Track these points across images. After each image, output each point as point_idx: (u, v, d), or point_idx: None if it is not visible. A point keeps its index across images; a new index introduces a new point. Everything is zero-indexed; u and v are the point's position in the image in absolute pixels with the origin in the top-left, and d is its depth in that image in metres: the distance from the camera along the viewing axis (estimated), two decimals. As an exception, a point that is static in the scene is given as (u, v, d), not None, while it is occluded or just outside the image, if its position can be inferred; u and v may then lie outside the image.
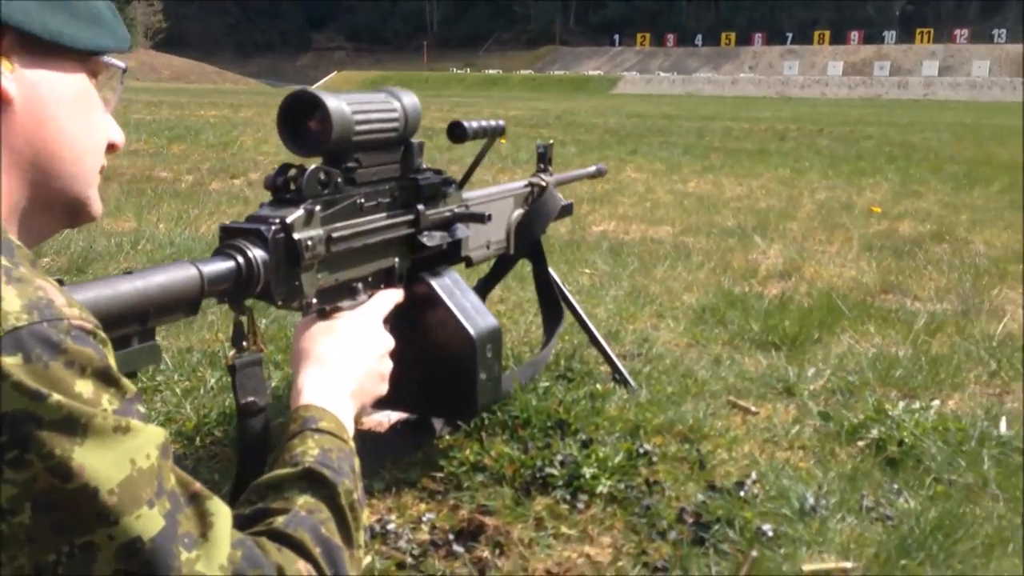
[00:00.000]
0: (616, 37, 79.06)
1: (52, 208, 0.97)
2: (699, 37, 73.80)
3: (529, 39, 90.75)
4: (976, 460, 1.79)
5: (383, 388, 1.33)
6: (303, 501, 0.99)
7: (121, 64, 1.06)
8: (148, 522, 0.76)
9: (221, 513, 0.86)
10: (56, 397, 0.72)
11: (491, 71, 67.67)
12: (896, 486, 1.72)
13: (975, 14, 78.48)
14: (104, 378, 0.77)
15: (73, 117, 0.98)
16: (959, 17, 76.80)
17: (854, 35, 65.12)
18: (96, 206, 1.03)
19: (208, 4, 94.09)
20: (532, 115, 19.79)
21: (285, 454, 1.06)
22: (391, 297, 1.47)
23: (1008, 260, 4.38)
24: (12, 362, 0.71)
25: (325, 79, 70.22)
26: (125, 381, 0.80)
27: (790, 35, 69.08)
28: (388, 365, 1.35)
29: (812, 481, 1.71)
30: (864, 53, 62.44)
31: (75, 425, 0.73)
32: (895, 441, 1.87)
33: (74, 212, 1.01)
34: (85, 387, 0.75)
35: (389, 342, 1.37)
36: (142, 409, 0.82)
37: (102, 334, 0.80)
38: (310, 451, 1.05)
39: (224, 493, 1.61)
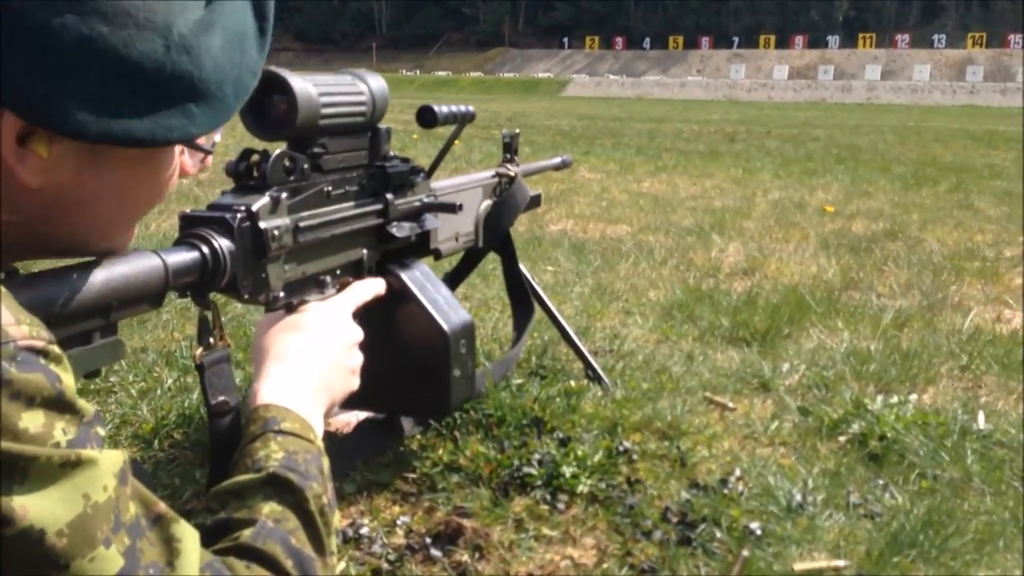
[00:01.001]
0: (565, 40, 79.37)
1: (76, 252, 0.92)
2: (647, 40, 74.39)
3: (479, 41, 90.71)
4: (959, 454, 1.77)
5: (354, 382, 1.25)
6: (269, 509, 0.92)
7: (210, 144, 0.95)
8: (104, 563, 0.69)
9: (188, 536, 0.78)
10: None
11: (441, 73, 67.42)
12: (881, 482, 1.69)
13: (916, 20, 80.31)
14: (56, 406, 0.68)
15: (116, 204, 0.88)
16: (900, 23, 78.51)
17: (799, 40, 66.16)
18: (123, 249, 0.97)
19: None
20: (483, 117, 19.73)
21: (246, 458, 0.98)
22: (364, 289, 1.39)
23: (962, 257, 4.42)
24: None
25: (272, 79, 69.35)
26: (81, 404, 0.71)
27: (736, 39, 70.00)
28: (358, 358, 1.26)
29: (796, 478, 1.67)
30: (809, 58, 63.47)
31: (13, 469, 0.65)
32: (876, 436, 1.84)
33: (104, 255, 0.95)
34: (33, 419, 0.66)
35: (357, 333, 1.28)
36: (102, 432, 0.74)
37: (55, 350, 0.71)
38: (273, 454, 0.98)
39: (186, 498, 1.52)
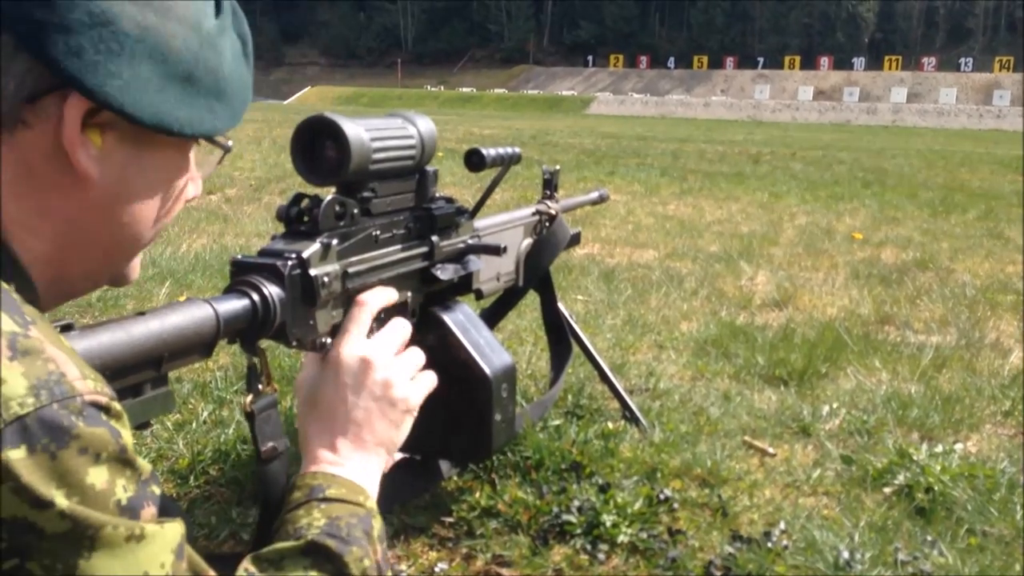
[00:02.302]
0: (590, 58, 79.60)
1: (94, 276, 0.91)
2: (672, 60, 74.49)
3: (503, 58, 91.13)
4: (1008, 509, 1.73)
5: (407, 421, 1.19)
6: None
7: (228, 144, 0.99)
8: None
9: None
10: (59, 506, 0.63)
11: (465, 89, 67.73)
12: (929, 538, 1.65)
13: (942, 43, 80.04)
14: (120, 462, 0.69)
15: (151, 200, 0.91)
16: (926, 46, 78.28)
17: (824, 61, 66.06)
18: (135, 274, 0.97)
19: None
20: (507, 134, 19.79)
21: (288, 525, 0.97)
22: (397, 329, 1.35)
23: (995, 290, 4.37)
24: (15, 456, 0.62)
25: (298, 94, 69.95)
26: (141, 462, 0.72)
27: (761, 60, 69.96)
28: (405, 393, 1.18)
29: (842, 531, 1.63)
30: (834, 79, 63.32)
31: (81, 538, 0.65)
32: (922, 488, 1.80)
33: (112, 280, 0.95)
34: (99, 476, 0.66)
35: (401, 370, 1.20)
36: (157, 490, 0.73)
37: (117, 406, 0.71)
38: (315, 522, 0.97)
39: (222, 538, 1.51)
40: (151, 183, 0.89)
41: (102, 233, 0.88)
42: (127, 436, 0.71)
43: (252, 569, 0.91)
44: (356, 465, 1.08)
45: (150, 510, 0.71)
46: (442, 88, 69.01)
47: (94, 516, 0.65)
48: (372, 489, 1.07)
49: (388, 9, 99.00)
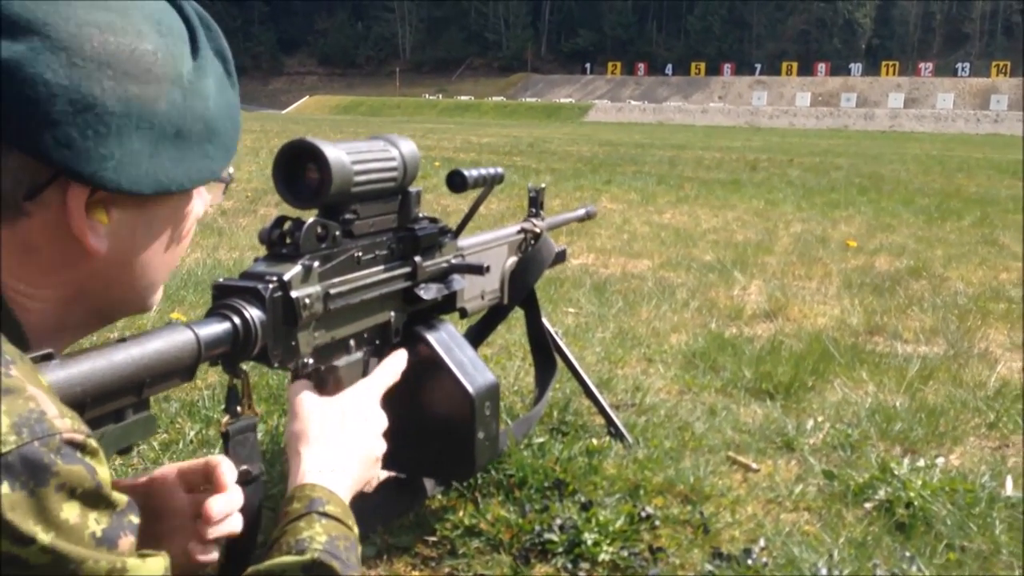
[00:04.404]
0: (587, 65, 79.79)
1: (108, 319, 0.95)
2: (669, 67, 74.66)
3: (501, 66, 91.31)
4: (987, 524, 1.74)
5: (376, 469, 1.25)
6: None
7: (229, 175, 1.01)
8: None
9: None
10: (40, 541, 0.65)
11: (463, 97, 67.89)
12: (908, 553, 1.66)
13: (939, 48, 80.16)
14: (92, 498, 0.70)
15: (161, 250, 0.94)
16: (923, 51, 78.39)
17: (821, 67, 66.18)
18: (156, 302, 1.00)
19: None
20: (505, 142, 19.83)
21: (289, 536, 0.98)
22: (394, 367, 1.38)
23: (987, 298, 4.38)
24: None
25: (297, 103, 70.08)
26: (116, 496, 0.73)
27: (758, 66, 70.10)
28: (382, 447, 1.25)
29: (822, 548, 1.64)
30: (831, 85, 63.45)
31: (63, 573, 0.66)
32: (903, 503, 1.81)
33: (130, 315, 0.98)
34: (72, 511, 0.68)
35: (384, 421, 1.27)
36: (135, 519, 0.74)
37: (93, 443, 0.72)
38: (318, 537, 0.97)
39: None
40: (159, 233, 0.92)
41: (114, 290, 0.92)
42: (102, 472, 0.72)
43: None
44: (343, 489, 1.09)
45: (128, 539, 0.72)
46: (440, 96, 69.15)
47: (75, 551, 0.67)
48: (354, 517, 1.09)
49: (386, 18, 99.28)
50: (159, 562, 0.75)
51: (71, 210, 0.81)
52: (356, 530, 1.04)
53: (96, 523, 0.70)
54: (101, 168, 0.80)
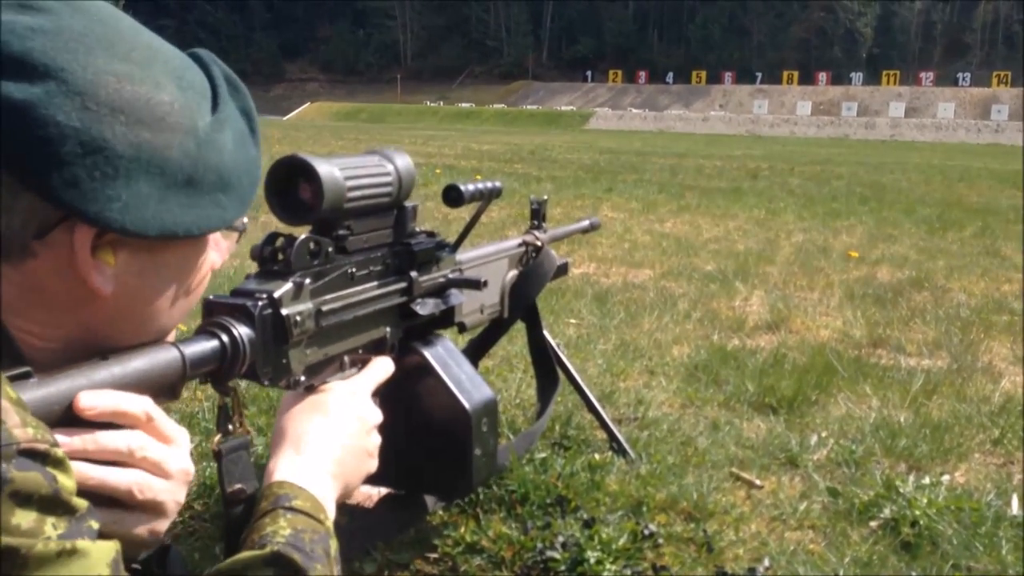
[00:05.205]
0: (588, 73, 79.92)
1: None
2: (670, 75, 74.78)
3: (502, 73, 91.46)
4: (994, 543, 1.72)
5: (372, 465, 1.23)
6: None
7: (242, 225, 1.03)
8: None
9: None
10: None
11: (464, 104, 67.98)
12: (914, 573, 1.64)
13: (940, 58, 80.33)
14: (50, 504, 0.70)
15: (170, 294, 0.95)
16: (924, 61, 78.56)
17: (822, 76, 66.30)
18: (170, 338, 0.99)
19: (181, 34, 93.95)
20: (505, 150, 19.84)
21: (254, 534, 0.97)
22: (382, 368, 1.37)
23: (990, 310, 4.37)
24: None
25: (298, 110, 70.20)
26: (76, 501, 0.73)
27: (759, 75, 70.23)
28: (376, 440, 1.24)
29: (827, 567, 1.63)
30: (832, 93, 63.55)
31: (13, 561, 0.66)
32: (908, 522, 1.79)
33: None
34: (25, 518, 0.68)
35: (376, 415, 1.26)
36: (95, 524, 0.74)
37: (56, 452, 0.72)
38: (281, 531, 0.96)
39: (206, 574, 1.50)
40: (169, 279, 0.94)
41: (122, 332, 0.93)
42: (64, 480, 0.72)
43: None
44: (318, 485, 1.08)
45: (85, 543, 0.72)
46: (441, 103, 69.26)
47: (24, 542, 0.67)
48: (331, 510, 1.07)
49: (388, 25, 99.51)
50: (111, 545, 0.75)
51: (77, 249, 0.83)
52: (328, 524, 1.03)
53: (53, 528, 0.70)
54: (107, 208, 0.82)
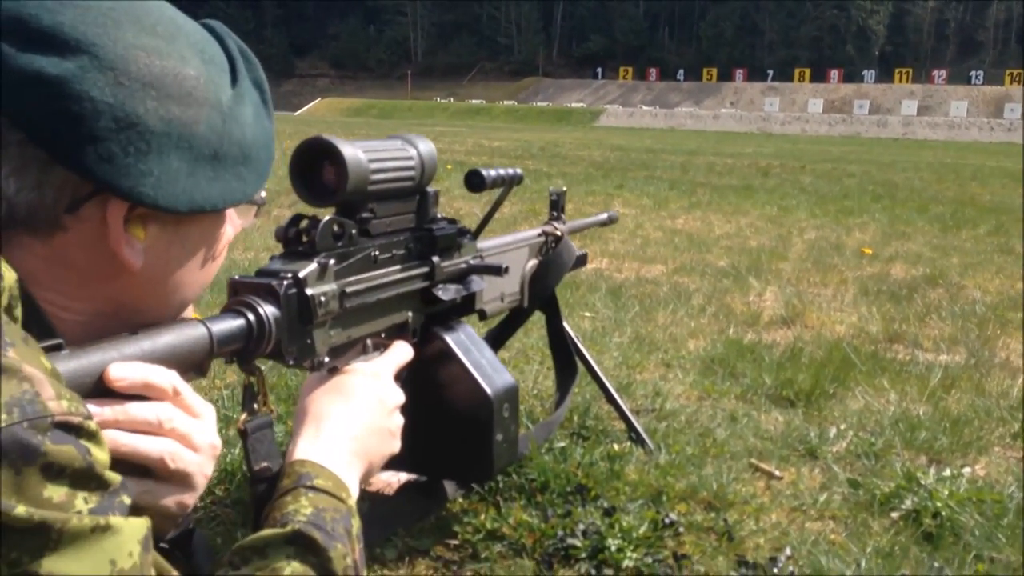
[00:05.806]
0: (599, 70, 79.77)
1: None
2: (681, 72, 74.62)
3: (512, 70, 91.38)
4: (1015, 535, 1.72)
5: (395, 445, 1.23)
6: (291, 570, 0.90)
7: (261, 198, 1.04)
8: None
9: None
10: (22, 509, 0.64)
11: (474, 101, 67.90)
12: (937, 564, 1.63)
13: (952, 56, 79.96)
14: (82, 478, 0.70)
15: (195, 268, 0.97)
16: (937, 59, 78.21)
17: (834, 74, 66.04)
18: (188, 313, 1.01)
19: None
20: (516, 146, 19.83)
21: (276, 511, 0.97)
22: (404, 351, 1.37)
23: (1006, 307, 4.35)
24: None
25: (309, 105, 70.30)
26: (108, 475, 0.72)
27: (771, 72, 70.01)
28: (398, 421, 1.25)
29: (849, 557, 1.62)
30: (844, 91, 63.29)
31: (47, 532, 0.66)
32: (930, 513, 1.79)
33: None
34: (56, 492, 0.68)
35: (399, 396, 1.26)
36: (127, 500, 0.74)
37: (91, 425, 0.72)
38: (302, 510, 0.97)
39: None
40: (192, 252, 0.96)
41: (148, 306, 0.94)
42: (98, 453, 0.72)
43: (235, 559, 0.91)
44: (340, 464, 1.09)
45: (116, 519, 0.72)
46: (451, 100, 69.22)
47: (56, 515, 0.66)
48: (354, 490, 1.07)
49: (398, 22, 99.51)
50: (143, 522, 0.75)
51: (110, 224, 0.84)
52: (350, 502, 1.03)
53: (84, 502, 0.70)
54: (140, 184, 0.83)
